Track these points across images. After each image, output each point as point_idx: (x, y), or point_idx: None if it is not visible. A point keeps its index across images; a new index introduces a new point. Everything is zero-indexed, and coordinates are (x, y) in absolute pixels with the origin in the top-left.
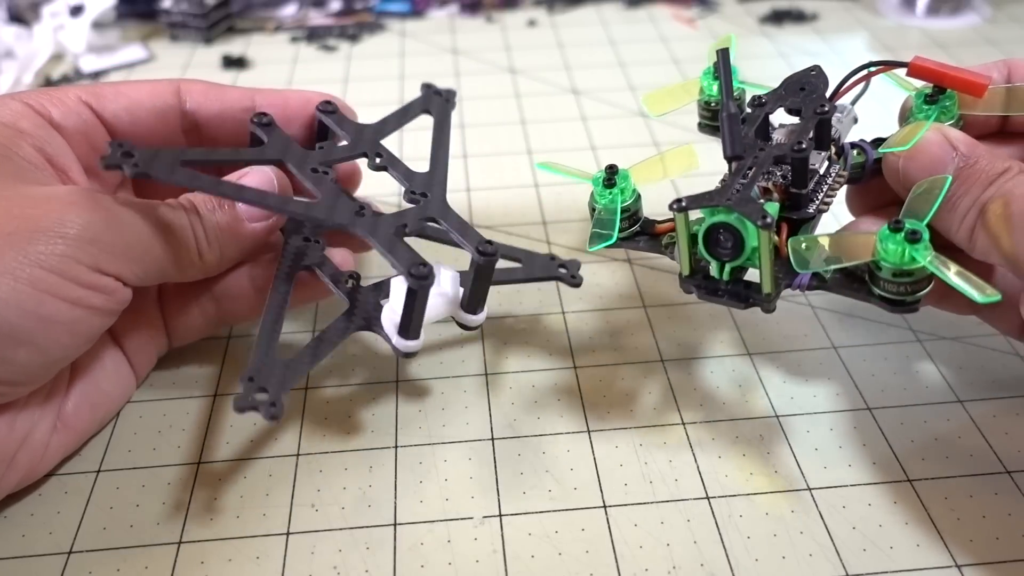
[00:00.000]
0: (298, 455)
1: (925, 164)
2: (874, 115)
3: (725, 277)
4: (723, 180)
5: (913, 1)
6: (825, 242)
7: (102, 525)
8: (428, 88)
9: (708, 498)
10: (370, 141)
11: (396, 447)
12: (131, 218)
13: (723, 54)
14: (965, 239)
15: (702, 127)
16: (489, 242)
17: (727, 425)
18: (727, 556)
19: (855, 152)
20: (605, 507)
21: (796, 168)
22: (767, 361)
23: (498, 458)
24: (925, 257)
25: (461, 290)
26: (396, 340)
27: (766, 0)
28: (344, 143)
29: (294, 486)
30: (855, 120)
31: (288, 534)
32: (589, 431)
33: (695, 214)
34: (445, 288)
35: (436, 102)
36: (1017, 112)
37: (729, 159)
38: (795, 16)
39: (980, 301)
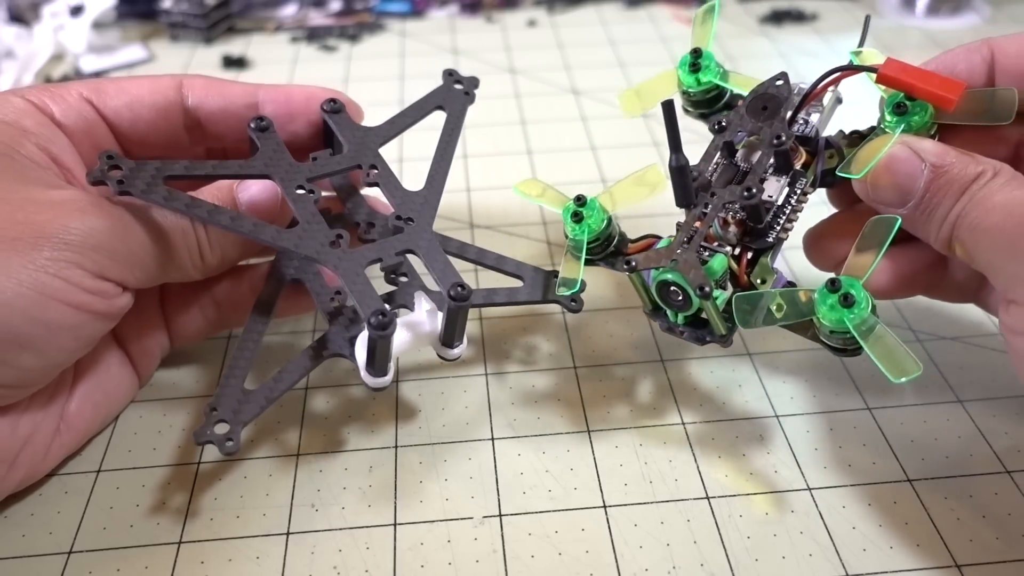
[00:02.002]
0: (298, 455)
1: (892, 185)
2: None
3: (680, 323)
4: (679, 225)
5: (913, 1)
6: (771, 297)
7: (102, 525)
8: (450, 76)
9: (708, 498)
10: (370, 150)
11: (396, 447)
12: (135, 223)
13: (667, 107)
14: (943, 248)
15: (688, 113)
16: (461, 285)
17: (727, 425)
18: (727, 556)
19: (828, 155)
20: (605, 507)
21: (748, 211)
22: (767, 361)
23: (498, 458)
24: (854, 323)
25: (440, 322)
26: (363, 375)
27: (766, 0)
28: (341, 151)
29: (294, 486)
30: (839, 101)
31: (288, 534)
32: (589, 431)
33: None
34: (420, 320)
35: (454, 96)
36: (999, 121)
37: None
38: (795, 16)
39: (893, 381)
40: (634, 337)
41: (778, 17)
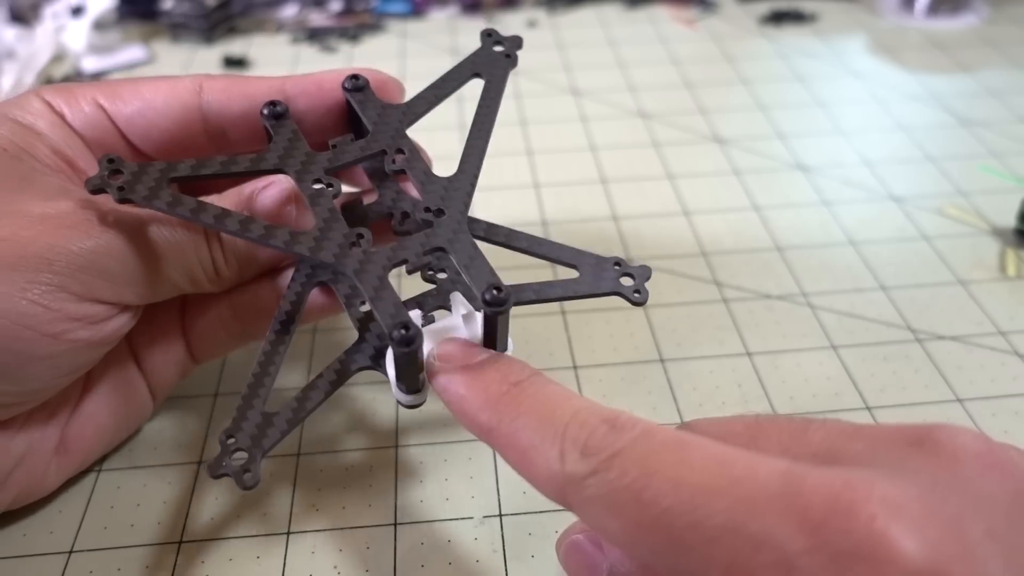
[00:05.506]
0: (298, 455)
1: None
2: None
3: None
4: None
5: (912, 2)
6: None
7: (103, 524)
8: (489, 37)
9: None
10: (393, 130)
11: (396, 447)
12: (137, 237)
13: None
14: None
15: None
16: (498, 288)
17: None
18: None
19: None
20: None
21: None
22: (767, 361)
23: (498, 458)
24: None
25: (480, 326)
26: (395, 391)
27: (766, 1)
28: (364, 138)
29: (295, 486)
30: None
31: (288, 534)
32: None
33: None
34: (455, 325)
35: (493, 61)
36: None
37: None
38: (794, 17)
39: None
40: (634, 337)
41: (778, 18)
